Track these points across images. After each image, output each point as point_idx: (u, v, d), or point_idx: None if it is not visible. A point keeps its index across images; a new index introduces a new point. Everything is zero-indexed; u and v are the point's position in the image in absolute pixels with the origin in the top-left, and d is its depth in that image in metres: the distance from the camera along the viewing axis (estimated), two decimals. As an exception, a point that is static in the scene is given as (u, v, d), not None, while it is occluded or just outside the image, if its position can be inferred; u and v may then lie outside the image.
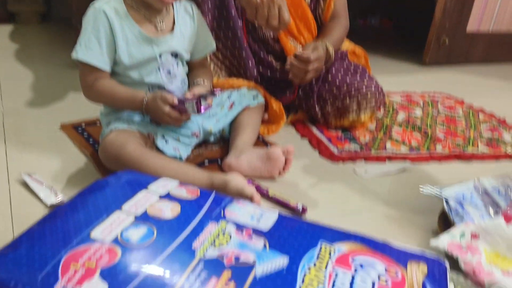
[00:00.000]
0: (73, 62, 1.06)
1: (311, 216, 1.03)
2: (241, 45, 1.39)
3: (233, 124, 1.27)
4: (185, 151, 1.14)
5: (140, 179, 0.74)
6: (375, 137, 1.46)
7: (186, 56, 1.17)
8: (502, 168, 1.36)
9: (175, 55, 1.13)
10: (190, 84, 1.20)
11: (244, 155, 1.13)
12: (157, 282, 0.52)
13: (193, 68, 1.24)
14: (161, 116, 1.03)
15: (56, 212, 0.63)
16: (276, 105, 1.41)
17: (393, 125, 1.57)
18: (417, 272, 0.61)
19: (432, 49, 2.44)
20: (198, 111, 1.02)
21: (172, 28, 1.13)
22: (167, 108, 1.01)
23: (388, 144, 1.43)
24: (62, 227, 0.60)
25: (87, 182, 0.98)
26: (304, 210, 1.03)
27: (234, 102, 1.28)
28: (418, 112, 1.74)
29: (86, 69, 1.05)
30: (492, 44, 2.62)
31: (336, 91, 1.42)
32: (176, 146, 1.11)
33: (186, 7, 1.18)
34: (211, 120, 1.24)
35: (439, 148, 1.43)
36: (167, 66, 1.12)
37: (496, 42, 2.63)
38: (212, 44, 1.25)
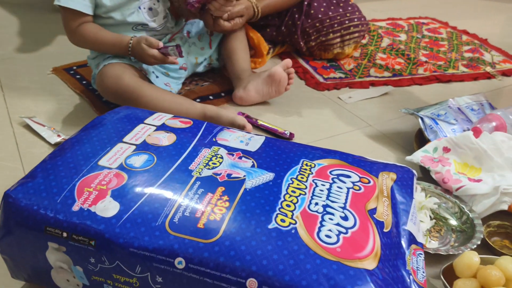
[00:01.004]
0: (57, 6, 1.08)
1: (298, 141, 1.11)
2: None
3: (224, 53, 1.31)
4: (175, 86, 1.20)
5: (137, 113, 0.80)
6: (359, 64, 1.51)
7: None
8: (480, 87, 1.43)
9: None
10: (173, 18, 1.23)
11: (250, 84, 1.20)
12: (161, 199, 0.61)
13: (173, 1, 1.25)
14: (146, 58, 1.06)
15: (64, 146, 0.70)
16: (254, 35, 1.43)
17: (377, 52, 1.62)
18: (387, 179, 0.69)
19: (418, -28, 2.41)
20: (180, 55, 1.06)
21: None
22: (151, 51, 1.04)
23: (372, 71, 1.48)
24: (72, 158, 0.67)
25: (84, 121, 1.05)
26: (291, 135, 1.10)
27: None
28: (402, 36, 1.77)
29: (68, 14, 1.07)
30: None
31: (319, 26, 1.45)
32: (167, 81, 1.17)
33: None
34: (188, 47, 1.27)
35: (420, 71, 1.49)
36: (148, 4, 1.14)
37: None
38: None
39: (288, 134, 1.10)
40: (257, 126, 1.15)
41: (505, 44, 1.75)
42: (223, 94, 1.28)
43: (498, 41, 1.78)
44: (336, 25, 1.44)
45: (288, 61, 1.18)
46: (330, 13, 1.44)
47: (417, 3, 2.28)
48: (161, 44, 1.05)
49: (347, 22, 1.45)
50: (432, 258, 0.77)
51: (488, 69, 1.53)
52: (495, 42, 1.77)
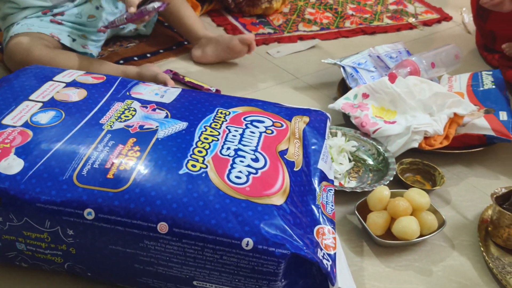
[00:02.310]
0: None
1: (225, 96, 1.11)
2: None
3: (168, 17, 1.27)
4: (95, 48, 1.14)
5: (46, 71, 0.77)
6: (288, 20, 1.52)
7: None
8: (403, 37, 1.48)
9: None
10: None
11: (208, 48, 1.20)
12: (69, 153, 0.59)
13: None
14: None
15: (-36, 107, 0.67)
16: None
17: (306, 7, 1.62)
18: (299, 122, 0.72)
19: None
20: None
21: None
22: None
23: (301, 25, 1.49)
24: (-28, 118, 0.64)
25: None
26: (217, 92, 1.10)
27: None
28: (331, -8, 1.79)
29: None
30: None
31: None
32: (84, 43, 1.11)
33: None
34: (115, 13, 1.21)
35: (347, 24, 1.52)
36: None
37: None
38: None
39: (214, 91, 1.10)
40: (184, 83, 1.14)
41: (428, -4, 1.81)
42: (148, 55, 1.25)
43: (422, -7, 1.84)
44: None
45: (251, 38, 1.17)
46: None
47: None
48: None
49: None
50: (349, 196, 0.82)
51: (411, 20, 1.58)
52: (419, -5, 1.82)
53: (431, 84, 0.99)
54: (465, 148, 0.93)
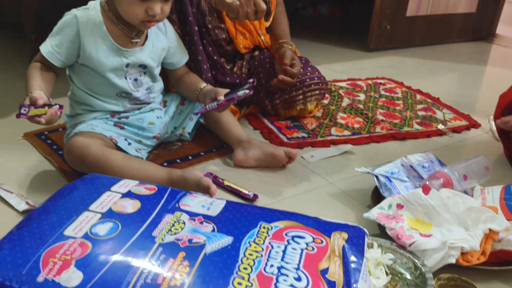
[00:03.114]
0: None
1: (262, 200, 1.16)
2: (197, 49, 1.49)
3: (210, 122, 1.40)
4: (145, 152, 1.26)
5: (104, 181, 0.84)
6: (321, 124, 1.60)
7: (154, 66, 1.25)
8: (432, 144, 1.53)
9: (144, 66, 1.23)
10: (191, 91, 1.31)
11: (251, 152, 1.29)
12: (124, 266, 0.64)
13: (180, 77, 1.36)
14: None
15: (31, 216, 0.73)
16: (228, 104, 1.52)
17: (338, 111, 1.72)
18: (339, 239, 0.74)
19: (375, 35, 2.60)
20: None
21: (144, 42, 1.22)
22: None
23: (333, 130, 1.57)
24: (38, 228, 0.70)
25: (53, 187, 1.07)
26: (255, 197, 1.16)
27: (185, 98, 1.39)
28: (361, 96, 1.89)
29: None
30: (430, 26, 2.81)
31: None
32: (138, 148, 1.22)
33: (159, 23, 1.26)
34: (166, 120, 1.34)
35: (378, 129, 1.59)
36: (134, 75, 1.22)
37: (434, 24, 2.82)
38: (187, 52, 1.38)
39: (251, 196, 1.15)
40: (223, 187, 1.19)
41: (455, 102, 1.89)
42: (190, 158, 1.33)
43: (449, 99, 1.92)
44: (298, 84, 1.54)
45: (294, 151, 1.28)
46: None
47: (375, 64, 2.44)
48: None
49: (308, 80, 1.55)
50: (387, 313, 0.81)
51: (440, 126, 1.64)
52: (446, 100, 1.91)
53: (464, 198, 1.01)
54: (502, 264, 0.92)
